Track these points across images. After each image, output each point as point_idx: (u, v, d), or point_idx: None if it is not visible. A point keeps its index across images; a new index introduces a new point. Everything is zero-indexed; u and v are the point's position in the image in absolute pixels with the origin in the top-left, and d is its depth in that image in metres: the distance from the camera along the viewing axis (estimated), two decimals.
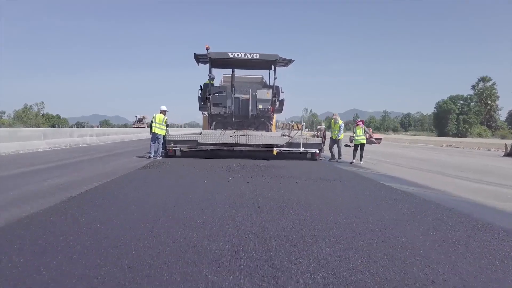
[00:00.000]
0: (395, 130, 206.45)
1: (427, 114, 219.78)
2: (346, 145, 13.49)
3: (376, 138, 29.33)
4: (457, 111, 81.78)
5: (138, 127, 65.33)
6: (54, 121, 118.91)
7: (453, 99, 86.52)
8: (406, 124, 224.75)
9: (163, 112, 12.39)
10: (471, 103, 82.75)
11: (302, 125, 13.70)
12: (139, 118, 70.60)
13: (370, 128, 32.28)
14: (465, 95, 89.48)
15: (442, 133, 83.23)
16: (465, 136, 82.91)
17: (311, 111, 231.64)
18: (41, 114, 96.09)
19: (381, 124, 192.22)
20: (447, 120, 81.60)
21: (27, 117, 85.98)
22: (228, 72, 15.32)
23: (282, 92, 15.00)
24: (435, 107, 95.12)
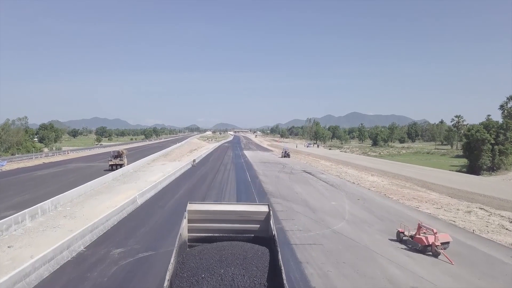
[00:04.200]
0: (402, 141, 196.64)
1: (435, 123, 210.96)
2: None
3: (442, 244, 18.29)
4: (492, 141, 72.33)
5: (115, 164, 49.34)
6: (43, 134, 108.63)
7: (486, 126, 77.05)
8: (413, 134, 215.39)
9: None
10: (507, 132, 73.37)
11: None
12: (116, 154, 51.29)
13: (435, 230, 18.83)
14: (500, 122, 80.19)
15: (473, 166, 73.62)
16: (499, 168, 73.70)
17: (314, 120, 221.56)
18: (23, 130, 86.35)
19: (389, 136, 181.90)
20: (480, 151, 72.08)
21: (7, 135, 76.35)
22: None
23: None
24: (464, 135, 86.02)
